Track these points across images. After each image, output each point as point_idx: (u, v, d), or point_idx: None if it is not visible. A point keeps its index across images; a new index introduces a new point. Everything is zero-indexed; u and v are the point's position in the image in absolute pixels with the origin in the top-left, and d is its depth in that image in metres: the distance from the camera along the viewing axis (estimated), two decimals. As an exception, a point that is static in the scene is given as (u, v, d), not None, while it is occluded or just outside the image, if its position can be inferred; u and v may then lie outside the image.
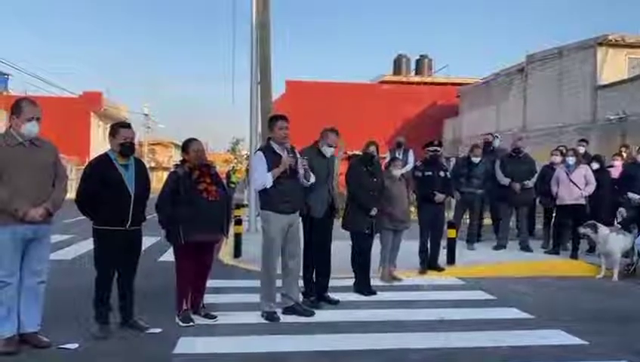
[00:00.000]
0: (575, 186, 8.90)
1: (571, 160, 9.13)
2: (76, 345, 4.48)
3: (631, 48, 17.15)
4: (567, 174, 9.01)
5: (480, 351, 4.60)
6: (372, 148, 6.86)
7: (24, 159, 4.29)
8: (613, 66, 16.90)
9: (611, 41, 16.92)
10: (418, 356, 4.45)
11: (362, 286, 6.62)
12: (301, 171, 5.52)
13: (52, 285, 4.76)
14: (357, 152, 8.03)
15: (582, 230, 8.22)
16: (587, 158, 9.90)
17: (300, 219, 5.82)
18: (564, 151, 9.96)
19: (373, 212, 6.44)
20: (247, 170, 18.72)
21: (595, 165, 9.40)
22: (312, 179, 5.63)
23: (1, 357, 4.19)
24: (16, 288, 4.32)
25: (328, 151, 6.04)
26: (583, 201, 8.93)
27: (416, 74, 33.99)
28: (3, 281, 4.24)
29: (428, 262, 7.83)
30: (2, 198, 4.16)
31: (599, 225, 8.09)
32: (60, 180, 4.51)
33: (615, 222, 8.67)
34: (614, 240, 7.94)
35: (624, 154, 10.32)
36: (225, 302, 5.94)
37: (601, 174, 9.25)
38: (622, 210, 8.72)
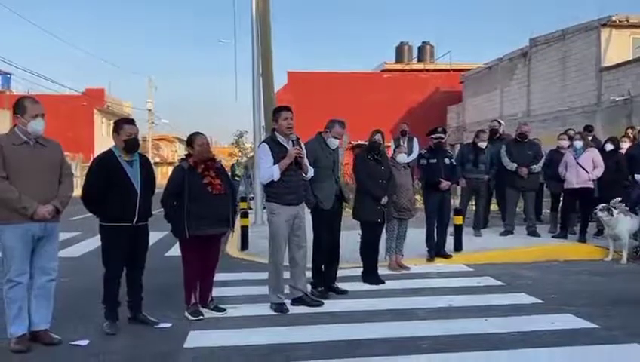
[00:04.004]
0: (583, 170, 8.83)
1: (578, 143, 9.05)
2: (87, 342, 4.51)
3: (635, 28, 16.99)
4: (575, 158, 8.94)
5: (489, 337, 4.59)
6: (378, 137, 6.81)
7: (30, 158, 4.29)
8: (617, 47, 16.76)
9: (615, 21, 16.77)
10: (427, 343, 4.45)
11: (370, 275, 6.62)
12: (305, 162, 5.50)
13: (61, 282, 4.79)
14: (361, 142, 8.00)
15: (599, 213, 8.08)
16: (596, 142, 9.80)
17: (309, 210, 5.81)
18: (572, 134, 9.86)
19: (384, 200, 6.43)
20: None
21: (609, 146, 9.23)
22: (311, 173, 5.58)
23: (13, 355, 4.22)
24: (27, 287, 4.35)
25: (334, 143, 5.99)
26: (591, 185, 8.87)
27: (419, 61, 33.83)
28: (14, 281, 4.27)
29: (435, 250, 7.83)
30: (12, 197, 4.18)
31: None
32: (66, 178, 4.52)
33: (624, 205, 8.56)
34: (622, 223, 7.89)
35: (631, 136, 10.22)
36: (233, 295, 5.96)
37: (614, 155, 9.10)
38: (615, 200, 8.53)
